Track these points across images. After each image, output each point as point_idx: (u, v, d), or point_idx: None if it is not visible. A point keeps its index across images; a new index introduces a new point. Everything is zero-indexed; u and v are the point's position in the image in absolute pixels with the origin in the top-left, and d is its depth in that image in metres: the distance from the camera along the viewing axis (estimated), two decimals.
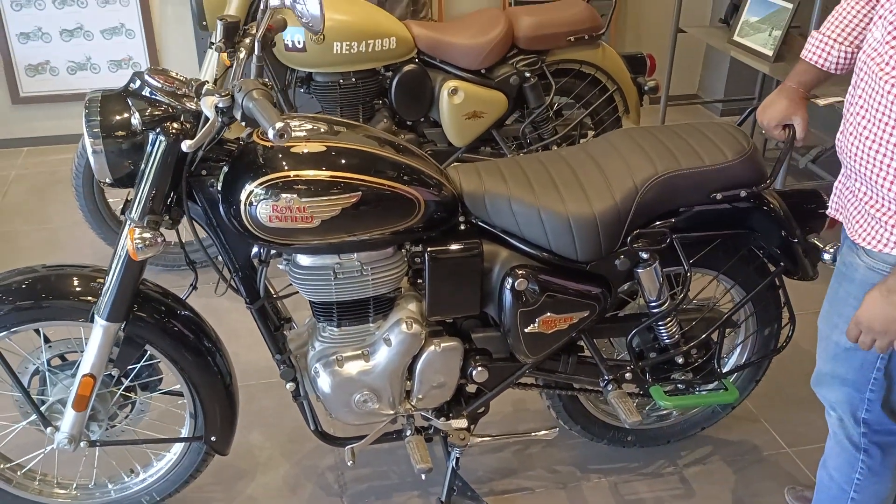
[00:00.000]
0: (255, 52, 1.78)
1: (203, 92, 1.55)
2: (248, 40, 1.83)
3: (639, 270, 1.89)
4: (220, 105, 1.48)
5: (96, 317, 1.75)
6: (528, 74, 3.16)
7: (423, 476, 1.93)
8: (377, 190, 1.67)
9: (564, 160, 1.94)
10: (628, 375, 2.02)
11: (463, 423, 1.97)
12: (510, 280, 1.81)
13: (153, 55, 4.36)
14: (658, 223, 1.88)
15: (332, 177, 1.64)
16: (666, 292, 1.95)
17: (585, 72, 3.29)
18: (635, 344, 2.05)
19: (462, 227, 1.84)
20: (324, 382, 1.86)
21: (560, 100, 3.40)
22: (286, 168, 1.62)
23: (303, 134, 1.67)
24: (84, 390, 1.79)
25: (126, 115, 1.61)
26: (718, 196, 1.86)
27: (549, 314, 1.85)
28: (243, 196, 1.62)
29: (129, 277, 1.72)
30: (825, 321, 1.64)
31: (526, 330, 1.85)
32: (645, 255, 1.87)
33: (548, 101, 3.23)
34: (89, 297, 1.79)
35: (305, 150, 1.65)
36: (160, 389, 2.00)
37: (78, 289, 1.79)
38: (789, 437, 2.40)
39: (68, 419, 1.83)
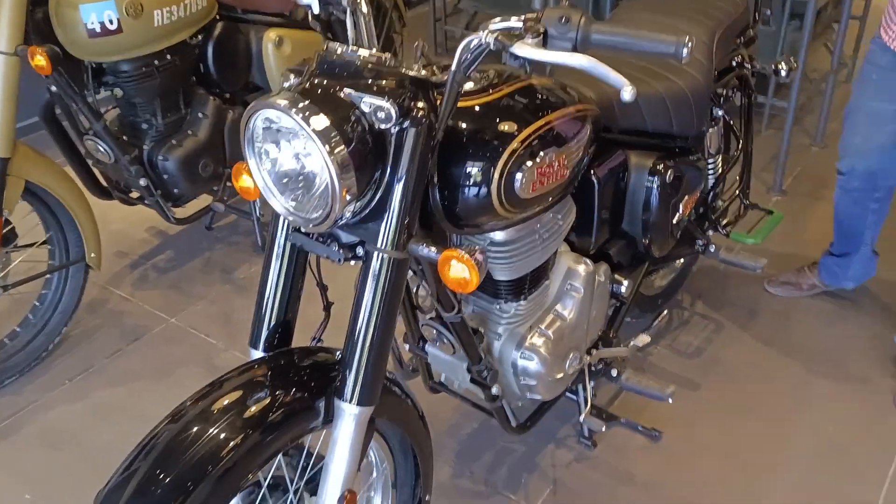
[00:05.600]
0: None
1: (490, 28, 1.10)
2: None
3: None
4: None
5: (341, 404, 1.22)
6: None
7: None
8: (581, 114, 1.44)
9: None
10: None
11: (646, 338, 1.86)
12: (656, 177, 1.73)
13: None
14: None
15: (565, 115, 1.37)
16: None
17: None
18: None
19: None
20: (535, 363, 1.60)
21: None
22: (538, 116, 1.31)
23: None
24: None
25: (350, 110, 1.11)
26: None
27: (686, 196, 1.83)
28: (498, 166, 1.25)
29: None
30: None
31: (674, 220, 1.81)
32: (719, 113, 1.96)
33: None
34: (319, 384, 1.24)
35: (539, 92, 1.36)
36: None
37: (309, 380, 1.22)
38: None
39: None
